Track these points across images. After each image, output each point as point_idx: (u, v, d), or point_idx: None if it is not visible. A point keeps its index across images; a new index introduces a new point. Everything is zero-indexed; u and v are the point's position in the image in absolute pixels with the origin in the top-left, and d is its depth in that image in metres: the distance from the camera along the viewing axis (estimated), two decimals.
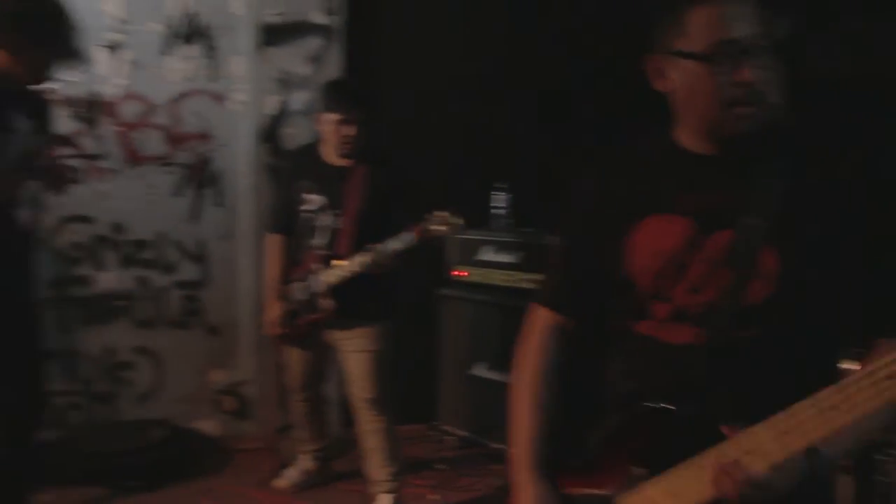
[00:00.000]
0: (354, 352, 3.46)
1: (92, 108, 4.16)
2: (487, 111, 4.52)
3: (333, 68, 4.33)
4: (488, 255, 4.17)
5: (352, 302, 3.38)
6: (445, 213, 3.20)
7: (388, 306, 3.49)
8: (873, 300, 1.40)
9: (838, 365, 1.48)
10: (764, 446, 1.26)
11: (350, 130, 3.34)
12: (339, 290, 3.38)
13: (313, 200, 3.45)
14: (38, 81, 2.62)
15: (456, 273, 4.30)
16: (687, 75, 1.43)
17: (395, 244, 3.23)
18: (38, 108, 2.70)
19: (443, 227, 3.19)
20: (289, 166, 3.66)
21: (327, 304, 3.41)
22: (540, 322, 1.68)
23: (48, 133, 2.77)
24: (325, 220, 3.44)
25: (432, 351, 4.40)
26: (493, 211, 4.26)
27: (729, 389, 1.39)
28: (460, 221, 3.20)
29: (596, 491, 1.49)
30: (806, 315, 1.40)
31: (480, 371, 4.17)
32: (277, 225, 3.63)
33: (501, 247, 4.13)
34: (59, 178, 2.81)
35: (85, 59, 3.98)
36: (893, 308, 1.39)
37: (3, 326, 2.58)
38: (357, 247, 3.32)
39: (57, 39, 2.59)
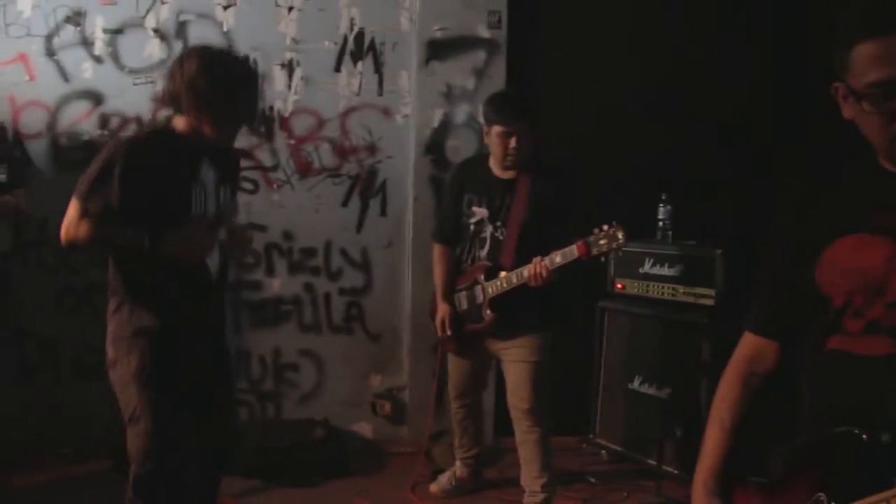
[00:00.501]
0: (515, 361, 3.49)
1: (268, 123, 4.40)
2: (651, 122, 4.48)
3: (497, 81, 4.41)
4: (649, 267, 4.12)
5: (514, 312, 3.42)
6: (609, 229, 3.17)
7: (550, 317, 3.50)
8: None
9: None
10: None
11: (515, 142, 3.38)
12: (502, 301, 3.42)
13: (478, 212, 3.52)
14: (224, 143, 2.72)
15: (618, 285, 4.26)
16: (855, 109, 1.42)
17: (557, 257, 3.24)
18: (228, 163, 2.79)
19: (604, 242, 3.17)
20: (456, 178, 3.74)
21: (489, 314, 3.46)
22: (745, 347, 1.71)
23: (235, 189, 2.85)
24: (490, 231, 3.49)
25: (591, 363, 4.38)
26: (657, 223, 4.20)
27: None
28: (622, 238, 3.16)
29: None
30: None
31: (638, 385, 4.11)
32: (442, 235, 3.73)
33: (662, 259, 4.06)
34: (243, 241, 2.90)
35: (260, 124, 4.26)
36: None
37: (204, 373, 2.70)
38: (520, 258, 3.36)
39: (244, 115, 2.68)
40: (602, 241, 3.17)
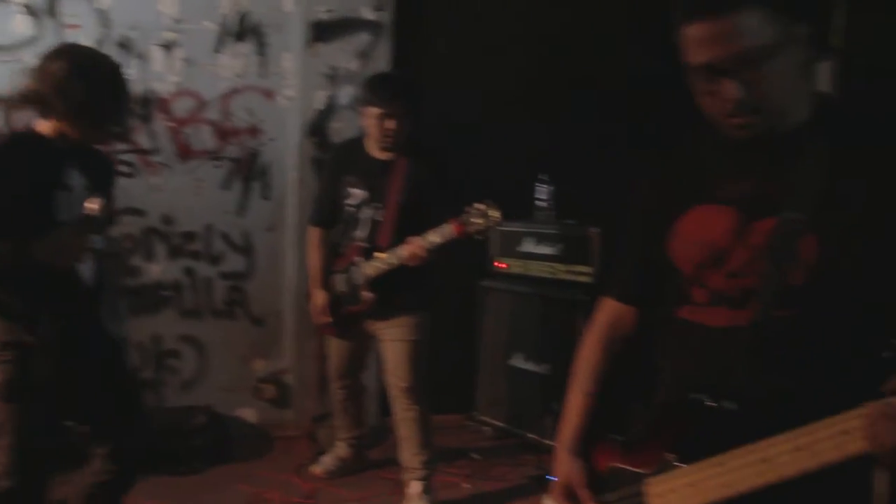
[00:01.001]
0: (393, 341, 3.52)
1: (146, 105, 4.29)
2: (533, 104, 4.58)
3: (382, 63, 4.42)
4: (530, 246, 4.22)
5: (391, 293, 3.45)
6: (484, 206, 3.22)
7: (427, 297, 3.55)
8: None
9: (884, 354, 1.50)
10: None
11: (392, 124, 3.40)
12: (380, 281, 3.44)
13: (356, 194, 3.53)
14: (95, 144, 2.65)
15: (497, 264, 4.34)
16: (692, 85, 1.47)
17: (434, 237, 3.27)
18: (97, 164, 2.68)
19: (481, 221, 3.22)
20: (334, 160, 3.74)
21: (367, 296, 3.48)
22: (604, 313, 1.77)
23: (108, 189, 2.71)
24: (367, 213, 3.51)
25: (473, 342, 4.45)
26: (536, 203, 4.30)
27: (764, 373, 1.42)
28: (498, 215, 3.22)
29: (630, 468, 1.56)
30: (845, 302, 1.41)
31: (518, 362, 4.20)
32: (319, 217, 3.73)
33: (542, 238, 4.16)
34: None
35: (131, 128, 4.13)
36: None
37: (88, 381, 2.61)
38: (398, 239, 3.38)
39: (115, 117, 2.62)
40: (477, 220, 3.22)
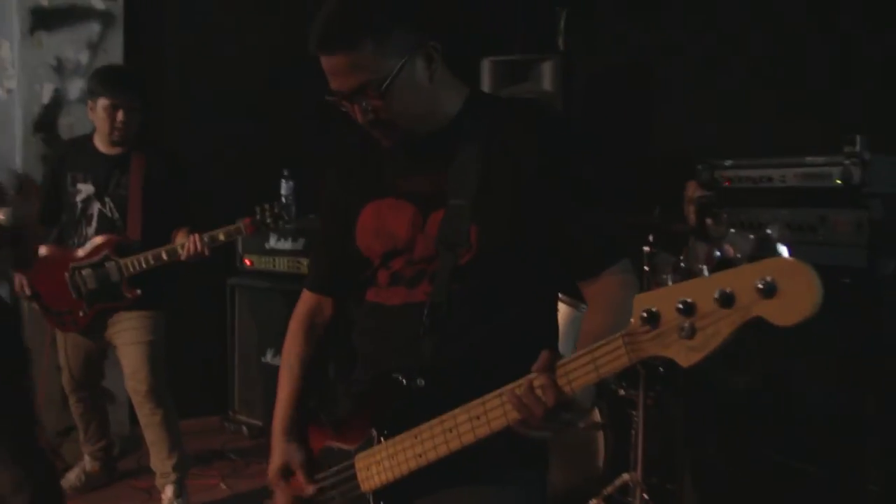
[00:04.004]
0: (129, 344, 3.39)
1: None
2: (270, 100, 4.55)
3: (114, 55, 4.21)
4: (274, 242, 4.22)
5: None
6: (274, 208, 3.31)
7: (160, 294, 3.45)
8: (567, 254, 1.58)
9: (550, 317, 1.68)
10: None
11: (122, 116, 3.29)
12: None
13: (83, 189, 3.38)
14: None
15: (246, 261, 4.29)
16: None
17: (220, 235, 3.27)
18: None
19: (270, 221, 3.31)
20: (57, 156, 3.55)
21: (134, 292, 3.34)
22: (304, 303, 1.84)
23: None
24: (97, 208, 3.37)
25: (226, 341, 4.36)
26: (280, 199, 4.27)
27: (445, 349, 1.53)
28: (290, 216, 3.33)
29: (342, 445, 1.63)
30: (508, 276, 1.57)
31: (271, 359, 4.18)
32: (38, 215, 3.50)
33: (285, 234, 4.17)
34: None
35: None
36: (580, 258, 1.57)
37: None
38: (147, 235, 3.31)
39: None
40: (269, 220, 3.31)
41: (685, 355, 1.14)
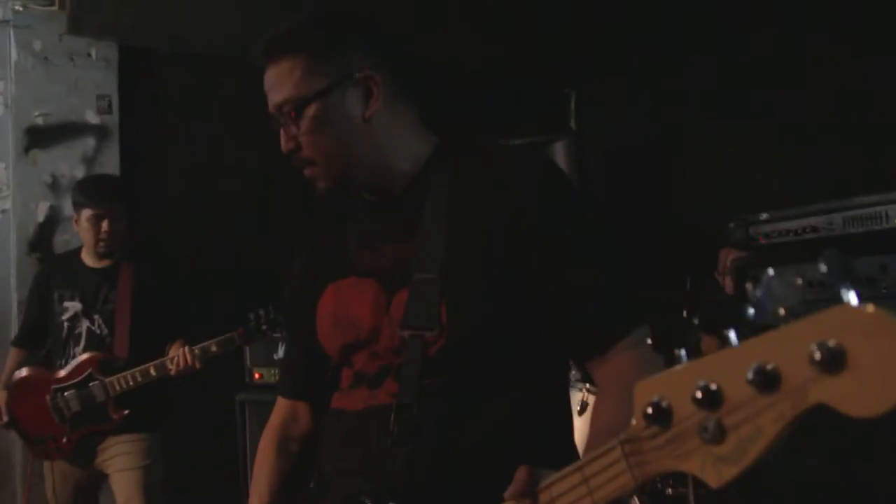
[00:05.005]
0: (122, 470, 3.12)
1: None
2: (275, 204, 4.36)
3: (109, 168, 4.09)
4: (283, 353, 3.93)
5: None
6: (268, 314, 3.14)
7: (156, 415, 3.21)
8: (567, 328, 1.28)
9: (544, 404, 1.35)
10: None
11: (107, 226, 3.13)
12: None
13: (70, 307, 3.19)
14: None
15: (255, 375, 4.01)
16: None
17: (213, 347, 3.07)
18: None
19: (265, 328, 3.15)
20: (43, 275, 3.38)
21: (120, 412, 3.09)
22: (277, 413, 1.60)
23: None
24: (85, 325, 3.17)
25: (236, 462, 4.04)
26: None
27: (412, 460, 1.23)
28: (281, 320, 3.12)
29: None
30: (488, 361, 1.27)
31: None
32: (21, 338, 3.37)
33: None
34: None
35: None
36: (582, 332, 1.28)
37: None
38: (136, 349, 3.10)
39: None
40: (263, 327, 3.14)
41: (713, 469, 0.78)
